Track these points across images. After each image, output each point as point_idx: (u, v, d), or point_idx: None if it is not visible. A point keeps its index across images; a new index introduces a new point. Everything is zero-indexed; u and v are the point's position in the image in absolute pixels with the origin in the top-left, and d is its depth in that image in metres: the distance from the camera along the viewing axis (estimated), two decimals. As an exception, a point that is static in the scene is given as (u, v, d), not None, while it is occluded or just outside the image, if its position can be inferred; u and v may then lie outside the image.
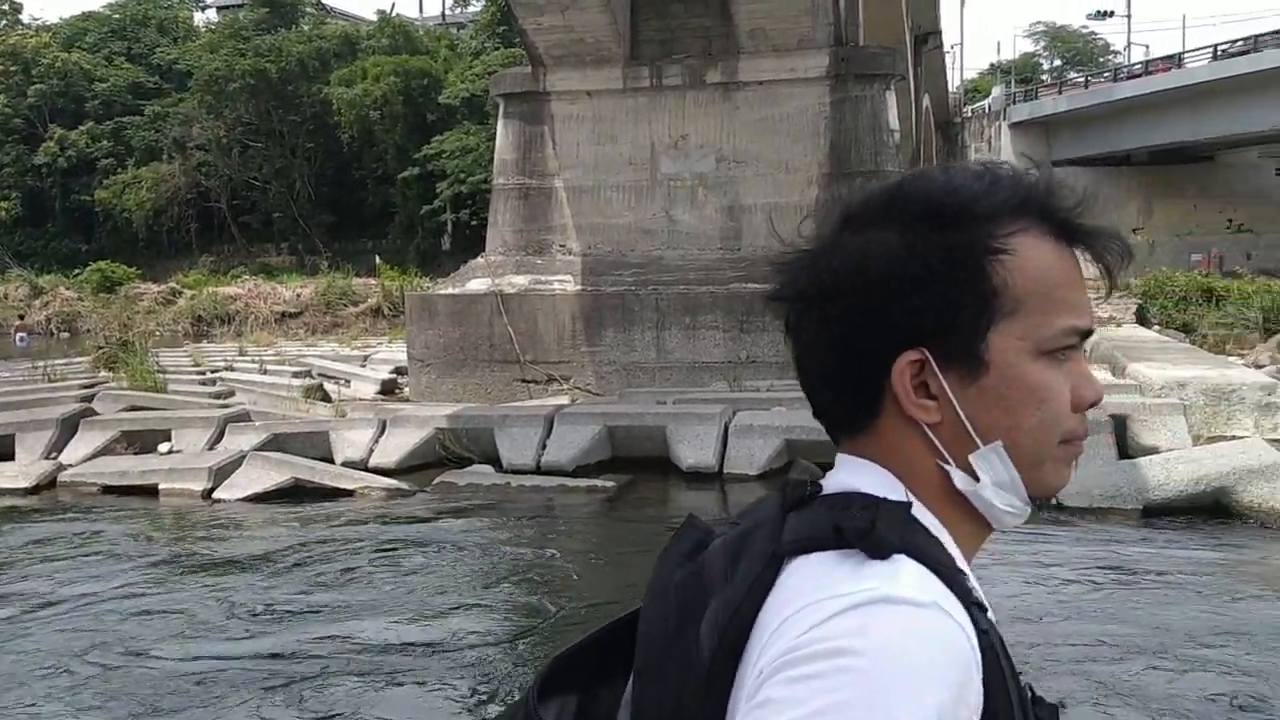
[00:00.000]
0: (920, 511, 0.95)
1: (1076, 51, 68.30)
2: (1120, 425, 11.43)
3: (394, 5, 58.25)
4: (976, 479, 0.98)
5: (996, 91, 46.06)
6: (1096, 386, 1.00)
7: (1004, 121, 43.93)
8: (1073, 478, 1.03)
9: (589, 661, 1.09)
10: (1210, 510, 9.56)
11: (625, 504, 10.49)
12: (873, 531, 0.89)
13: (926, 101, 36.81)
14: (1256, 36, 36.84)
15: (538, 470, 11.43)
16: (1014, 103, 44.88)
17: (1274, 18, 79.51)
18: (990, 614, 0.92)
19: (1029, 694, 0.95)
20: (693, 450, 11.33)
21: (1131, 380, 15.97)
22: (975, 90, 54.24)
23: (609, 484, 10.99)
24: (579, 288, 16.85)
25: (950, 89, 48.23)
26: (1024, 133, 43.39)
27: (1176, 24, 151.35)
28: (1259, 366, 23.17)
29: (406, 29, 53.96)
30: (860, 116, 16.64)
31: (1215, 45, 38.63)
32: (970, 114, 46.74)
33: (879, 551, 0.88)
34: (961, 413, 0.97)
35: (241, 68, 47.90)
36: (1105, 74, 47.24)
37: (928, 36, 31.97)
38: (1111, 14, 65.53)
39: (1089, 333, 1.00)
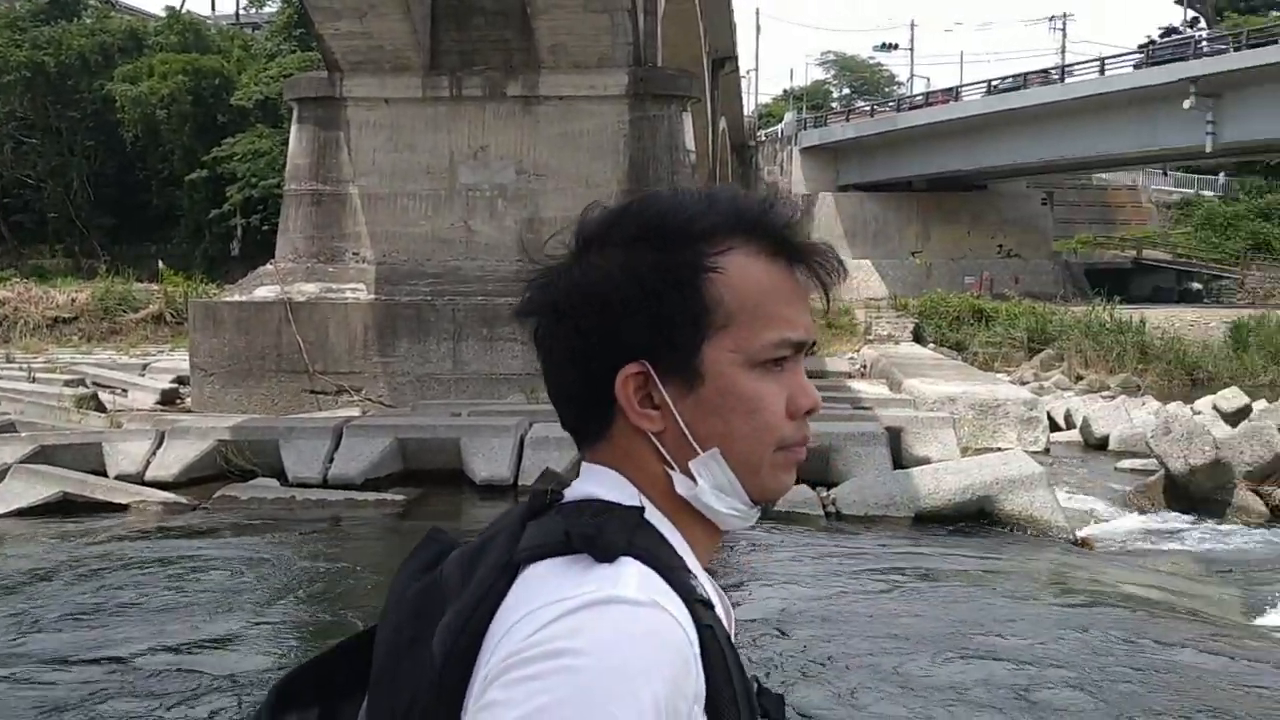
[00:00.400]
0: (654, 515, 1.00)
1: (864, 81, 71.58)
2: (895, 438, 12.00)
3: (184, 2, 55.62)
4: (695, 484, 1.03)
5: (789, 117, 47.77)
6: (812, 395, 1.06)
7: (795, 146, 45.56)
8: (791, 483, 1.08)
9: (329, 675, 1.10)
10: (975, 517, 10.15)
11: (416, 518, 10.33)
12: (599, 536, 0.94)
13: (723, 124, 37.81)
14: (1026, 74, 39.48)
15: (325, 484, 11.14)
16: (805, 128, 46.60)
17: (1044, 57, 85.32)
18: (718, 610, 0.98)
19: (755, 685, 1.00)
20: (487, 463, 11.27)
21: (907, 395, 16.83)
22: (770, 115, 56.06)
23: (399, 497, 10.82)
24: (372, 297, 16.54)
25: (746, 113, 49.69)
26: (814, 157, 45.11)
27: (955, 59, 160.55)
28: (1023, 383, 24.79)
29: (197, 27, 51.78)
30: (658, 136, 16.98)
31: (989, 81, 41.17)
32: (765, 138, 48.27)
33: (605, 555, 0.92)
34: (681, 421, 1.02)
35: (16, 59, 44.92)
36: (890, 104, 49.64)
37: (724, 61, 32.87)
38: (896, 46, 69.14)
39: (804, 344, 1.06)
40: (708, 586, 1.00)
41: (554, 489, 1.04)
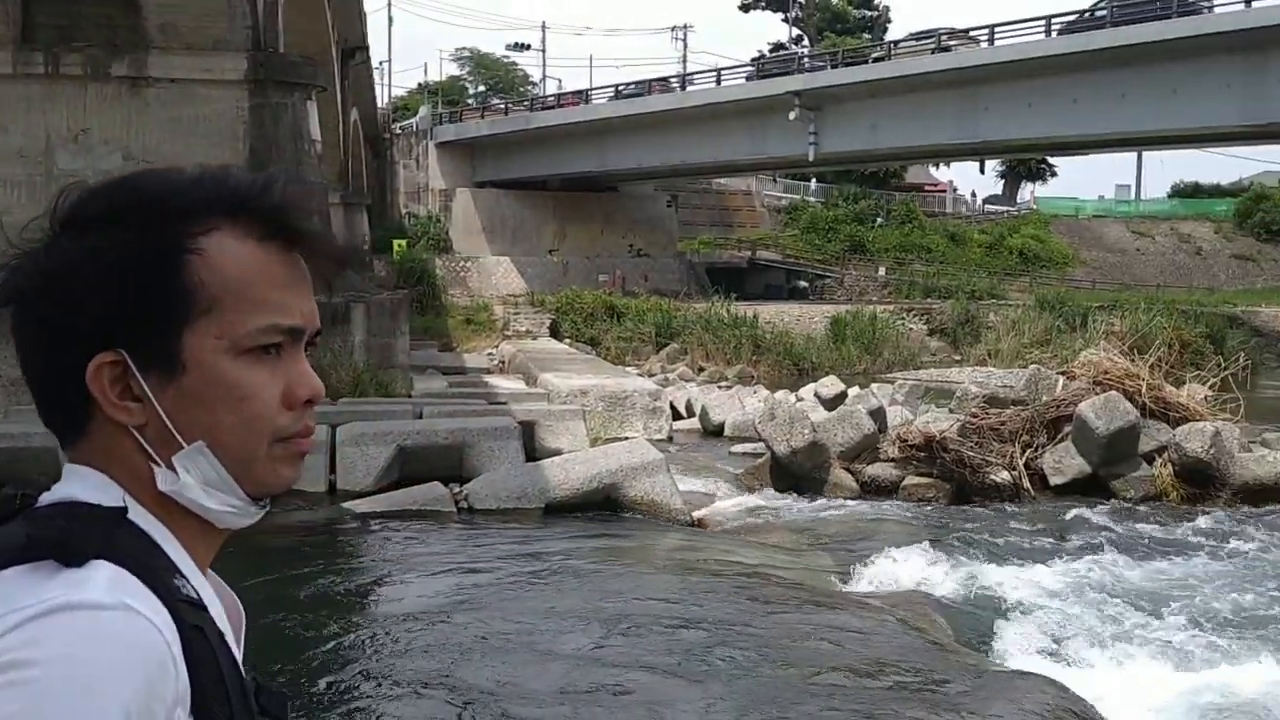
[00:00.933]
0: (141, 516, 0.94)
1: (499, 79, 72.14)
2: (529, 431, 12.24)
3: None
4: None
5: (423, 111, 47.32)
6: (312, 384, 1.02)
7: (431, 141, 45.26)
8: (300, 474, 1.04)
9: None
10: (603, 504, 10.54)
11: None
12: (66, 538, 0.87)
13: (355, 116, 36.87)
14: (650, 81, 41.33)
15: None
16: (440, 123, 46.37)
17: (667, 65, 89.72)
18: (213, 610, 0.94)
19: (254, 684, 0.97)
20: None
21: (541, 389, 17.22)
22: (405, 108, 55.31)
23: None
24: (-46, 293, 14.80)
25: (380, 105, 48.77)
26: (451, 153, 45.00)
27: (585, 62, 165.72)
28: (651, 375, 26.02)
29: None
30: (281, 124, 16.31)
31: (617, 86, 42.75)
32: (400, 131, 47.60)
33: (71, 558, 0.86)
34: (163, 413, 0.96)
35: None
36: (524, 103, 50.38)
37: (355, 51, 32.01)
38: (529, 46, 70.21)
39: (301, 331, 1.01)
40: (201, 586, 0.95)
41: (24, 492, 0.95)
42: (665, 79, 42.45)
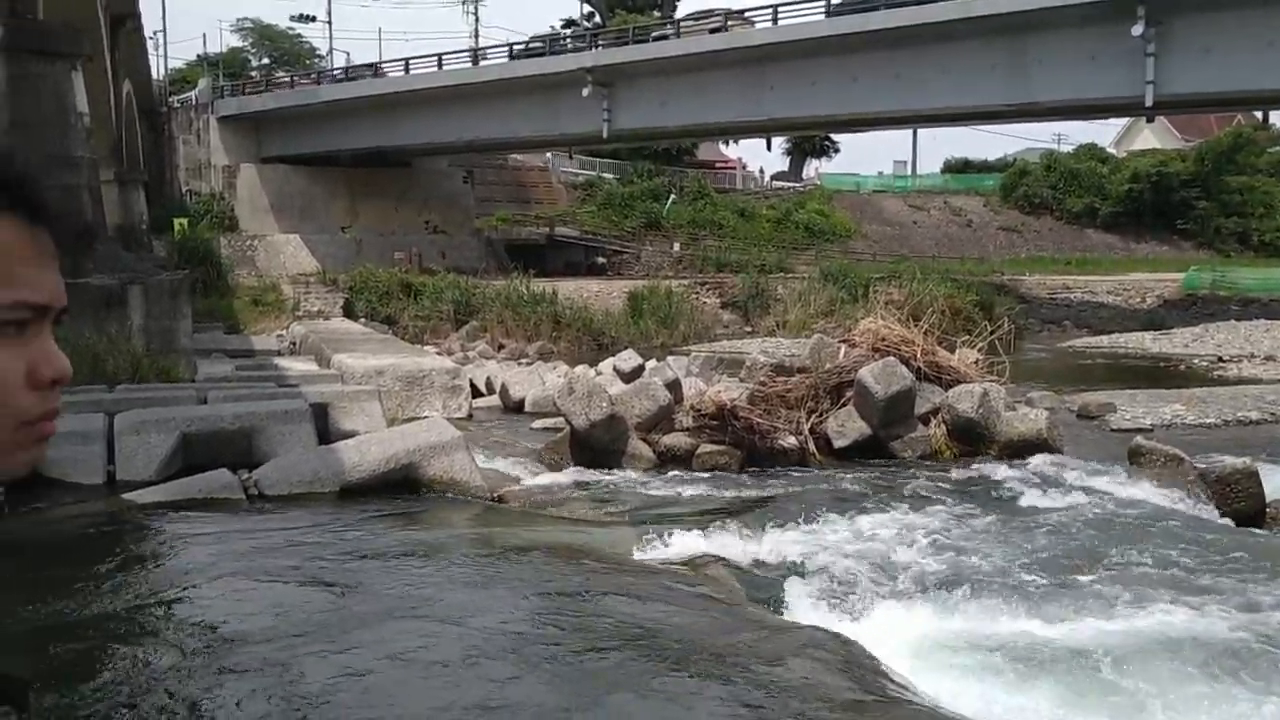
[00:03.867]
0: None
1: (284, 52, 69.59)
2: (322, 414, 11.94)
3: None
4: None
5: (203, 84, 45.22)
6: (58, 364, 0.98)
7: (212, 115, 43.31)
8: (42, 458, 1.01)
9: None
10: (401, 485, 10.39)
11: None
12: None
13: (128, 88, 34.88)
14: (441, 54, 40.73)
15: None
16: (222, 96, 44.44)
17: (459, 39, 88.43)
18: None
19: None
20: None
21: (335, 370, 16.79)
22: (184, 81, 52.67)
23: None
24: None
25: (155, 77, 46.31)
26: (234, 127, 43.19)
27: (374, 35, 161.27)
28: (450, 353, 25.76)
29: None
30: (43, 96, 15.32)
31: (407, 59, 41.90)
32: (179, 105, 45.33)
33: None
34: None
35: None
36: (310, 76, 48.78)
37: (125, 19, 30.27)
38: (314, 19, 67.91)
39: (47, 308, 0.98)
40: None
41: None
42: (458, 52, 41.87)
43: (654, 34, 36.66)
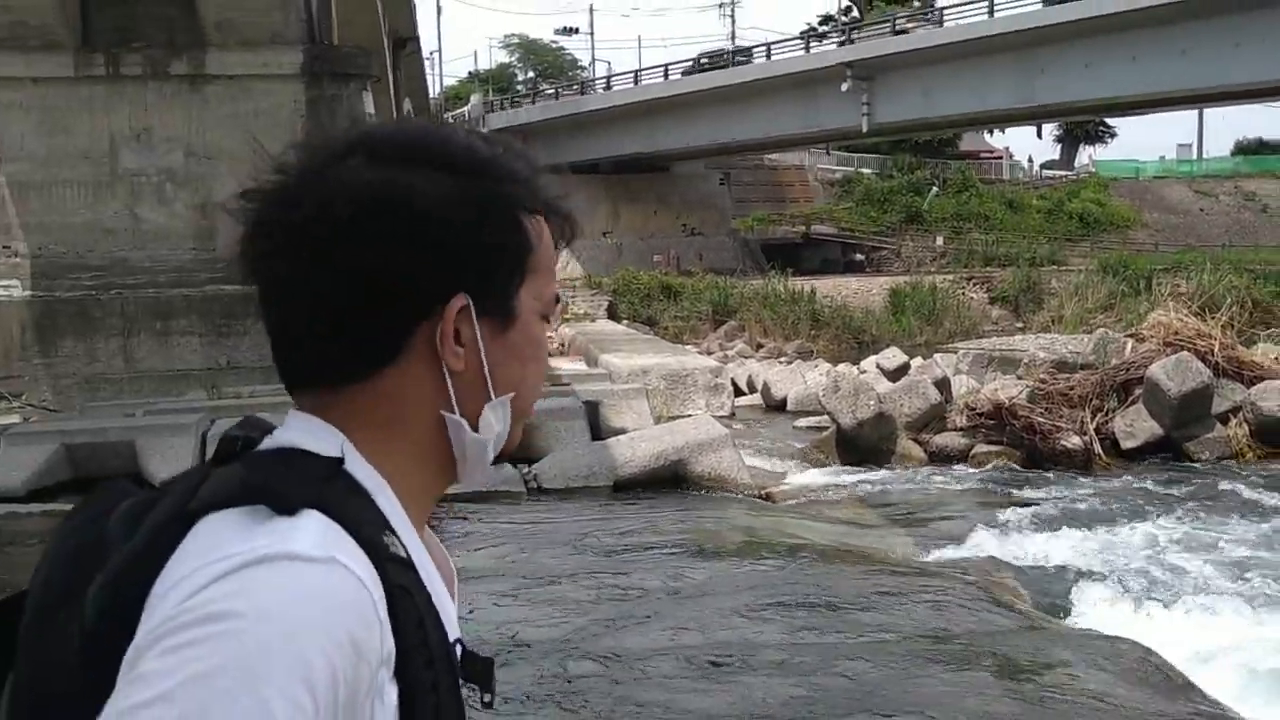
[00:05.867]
0: (359, 466, 0.92)
1: (548, 64, 72.25)
2: (593, 411, 12.27)
3: None
4: (476, 430, 0.97)
5: (475, 99, 47.61)
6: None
7: (484, 128, 45.47)
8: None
9: None
10: (670, 481, 10.56)
11: (91, 526, 9.59)
12: (280, 484, 0.85)
13: (408, 105, 37.14)
14: (699, 59, 41.17)
15: (-17, 498, 10.14)
16: (492, 110, 46.58)
17: (715, 41, 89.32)
18: (423, 572, 0.91)
19: (459, 649, 0.94)
20: (166, 464, 10.56)
21: (603, 370, 17.25)
22: (456, 97, 55.65)
23: (68, 507, 9.99)
24: (29, 293, 15.17)
25: (431, 94, 49.11)
26: (503, 139, 45.19)
27: (633, 44, 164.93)
28: (709, 353, 25.99)
29: None
30: (337, 116, 16.45)
31: (665, 65, 42.65)
32: (452, 120, 47.95)
33: (283, 506, 0.84)
34: (486, 363, 0.96)
35: None
36: (574, 87, 50.43)
37: (406, 41, 32.21)
38: (577, 30, 70.37)
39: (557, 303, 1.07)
40: (412, 544, 0.92)
41: (247, 434, 0.93)
42: (715, 55, 42.20)
43: (922, 22, 35.72)
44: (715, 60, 40.96)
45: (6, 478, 10.34)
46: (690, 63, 41.08)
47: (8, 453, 10.63)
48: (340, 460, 0.90)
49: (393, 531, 0.90)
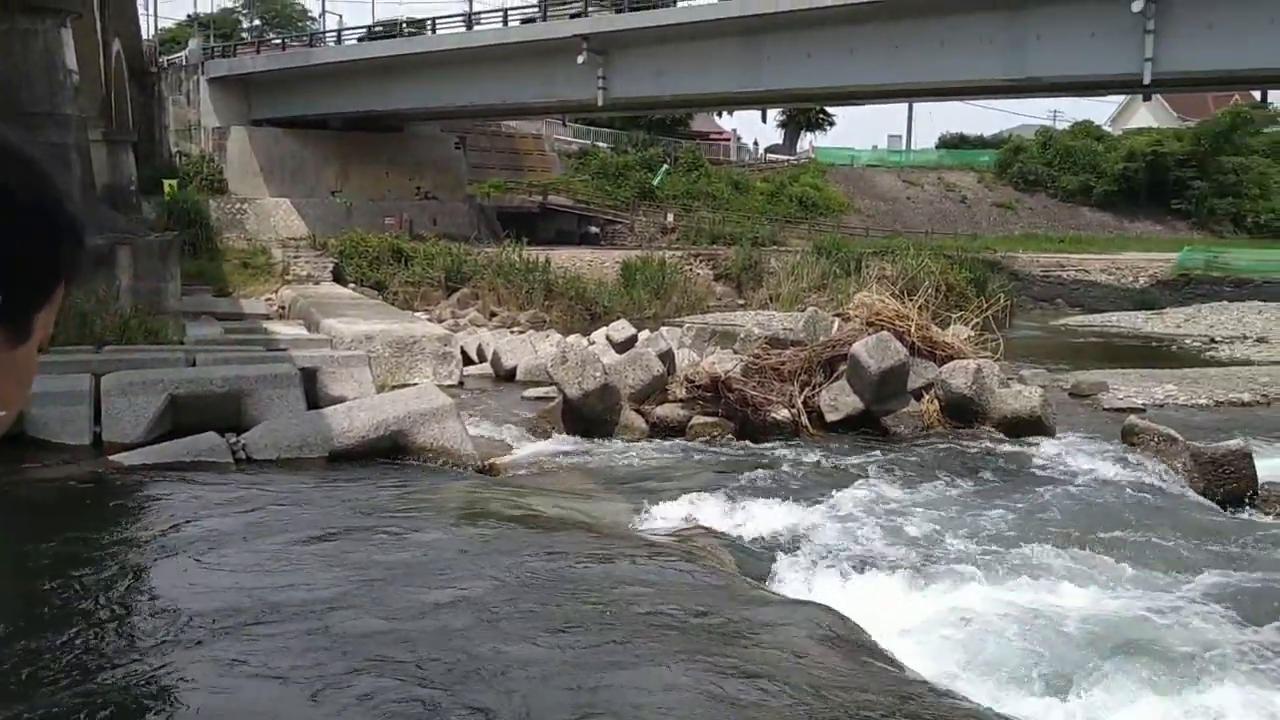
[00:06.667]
0: None
1: (275, 13, 68.85)
2: (311, 378, 11.84)
3: None
4: None
5: (194, 44, 44.66)
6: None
7: (203, 76, 42.83)
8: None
9: None
10: (390, 452, 10.31)
11: None
12: None
13: (118, 47, 34.43)
14: (435, 19, 40.27)
15: None
16: (212, 57, 43.92)
17: (451, 3, 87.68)
18: None
19: None
20: None
21: (324, 335, 16.68)
22: (175, 41, 52.05)
23: None
24: None
25: (145, 36, 45.75)
26: (225, 89, 42.70)
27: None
28: (441, 320, 25.63)
29: None
30: (30, 52, 15.09)
31: (401, 21, 41.45)
32: (169, 65, 44.80)
33: None
34: None
35: None
36: (304, 38, 48.30)
37: (115, -25, 29.85)
38: (305, -20, 67.14)
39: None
40: None
41: None
42: (452, 16, 41.44)
43: (651, 2, 36.28)
44: (452, 22, 40.14)
45: None
46: (426, 21, 40.09)
47: None
48: None
49: None
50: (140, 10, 41.39)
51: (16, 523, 7.48)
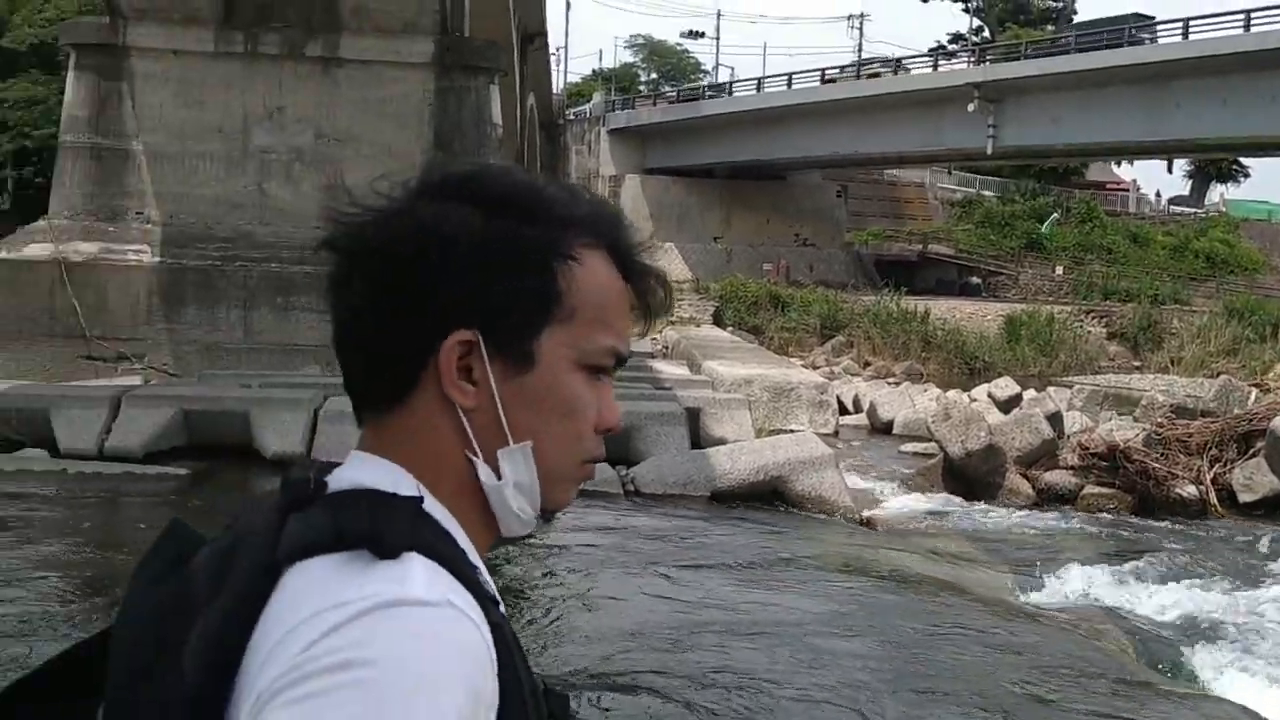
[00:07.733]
0: (432, 505, 0.91)
1: (671, 66, 72.40)
2: (694, 418, 12.19)
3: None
4: (499, 476, 0.96)
5: (597, 98, 47.89)
6: (617, 413, 1.02)
7: (604, 127, 45.72)
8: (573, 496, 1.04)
9: (51, 688, 0.95)
10: (768, 496, 10.43)
11: (200, 493, 9.86)
12: (378, 529, 0.84)
13: (531, 101, 37.53)
14: (824, 69, 40.83)
15: (101, 456, 10.49)
16: (613, 110, 46.81)
17: (842, 54, 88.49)
18: (501, 607, 0.90)
19: (541, 686, 0.94)
20: (278, 437, 10.83)
21: (706, 377, 17.16)
22: (579, 94, 56.03)
23: (182, 471, 10.30)
24: (158, 259, 15.69)
25: (554, 91, 49.54)
26: (622, 139, 45.39)
27: (758, 50, 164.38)
28: (815, 367, 25.72)
29: (-38, -41, 47.75)
30: (464, 107, 16.71)
31: (789, 74, 42.33)
32: (573, 117, 48.26)
33: (386, 551, 0.83)
34: (500, 404, 0.95)
35: None
36: (696, 91, 50.43)
37: (534, 37, 32.57)
38: (703, 34, 70.24)
39: (624, 360, 1.03)
40: (488, 583, 0.92)
41: (316, 477, 0.92)
42: (841, 68, 41.81)
43: (1048, 49, 34.87)
44: (841, 73, 40.50)
45: (125, 438, 10.68)
46: (814, 73, 40.68)
47: (127, 414, 10.98)
48: (421, 500, 0.90)
49: (477, 569, 0.90)
50: (552, 67, 44.91)
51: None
